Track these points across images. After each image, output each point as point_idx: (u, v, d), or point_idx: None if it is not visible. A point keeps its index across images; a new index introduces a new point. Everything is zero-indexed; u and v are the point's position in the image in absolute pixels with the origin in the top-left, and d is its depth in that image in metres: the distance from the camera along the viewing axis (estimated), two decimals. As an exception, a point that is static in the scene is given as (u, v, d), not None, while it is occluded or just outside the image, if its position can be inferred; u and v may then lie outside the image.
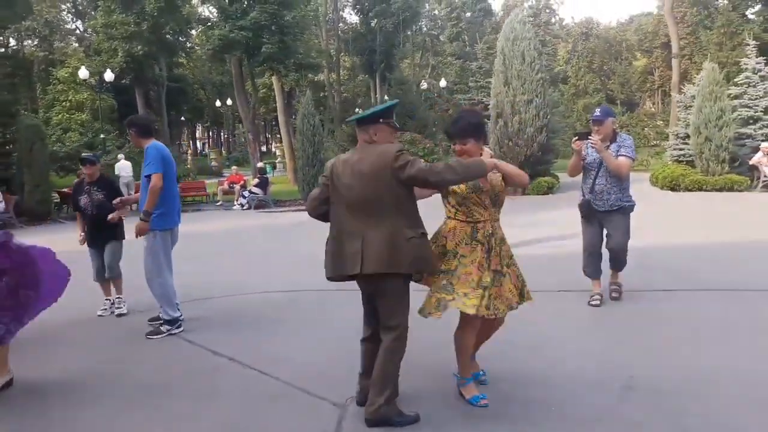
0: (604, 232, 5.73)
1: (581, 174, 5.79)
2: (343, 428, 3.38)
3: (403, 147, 3.34)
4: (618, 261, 5.81)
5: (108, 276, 6.27)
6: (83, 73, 25.88)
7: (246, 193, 18.91)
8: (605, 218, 5.64)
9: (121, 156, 20.50)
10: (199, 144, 72.42)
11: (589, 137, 5.48)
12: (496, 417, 3.44)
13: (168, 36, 35.07)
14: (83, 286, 6.08)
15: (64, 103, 35.70)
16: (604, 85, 55.30)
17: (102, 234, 6.17)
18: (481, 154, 3.51)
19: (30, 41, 45.87)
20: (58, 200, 18.58)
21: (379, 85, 39.63)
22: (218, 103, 46.69)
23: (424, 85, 35.58)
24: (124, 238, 6.29)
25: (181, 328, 5.48)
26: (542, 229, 10.64)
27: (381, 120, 3.38)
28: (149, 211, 5.24)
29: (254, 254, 10.02)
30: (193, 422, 3.61)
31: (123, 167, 19.45)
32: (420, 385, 3.88)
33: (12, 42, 44.81)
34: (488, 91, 19.15)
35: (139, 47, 33.20)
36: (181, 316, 5.55)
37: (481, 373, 3.96)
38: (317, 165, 19.69)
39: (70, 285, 4.62)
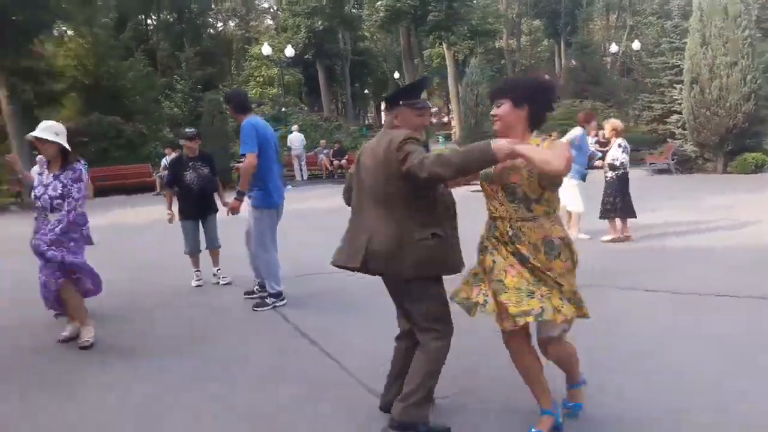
0: None
1: None
2: (373, 428, 3.04)
3: (409, 134, 2.82)
4: None
5: (210, 247, 6.42)
6: (266, 49, 27.37)
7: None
8: None
9: (294, 128, 21.24)
10: (384, 117, 74.06)
11: None
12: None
13: (353, 10, 35.99)
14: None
15: (257, 79, 38.51)
16: None
17: (204, 207, 6.29)
18: (523, 129, 2.73)
19: (231, 22, 49.92)
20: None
21: (563, 50, 36.97)
22: (396, 75, 47.13)
23: (613, 48, 32.33)
24: (218, 211, 6.39)
25: (284, 302, 5.45)
26: (738, 213, 9.03)
27: (401, 102, 2.97)
28: (242, 191, 5.25)
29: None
30: (236, 395, 3.61)
31: (295, 139, 20.17)
32: (462, 398, 3.36)
33: (219, 24, 49.43)
34: (683, 54, 16.59)
35: (320, 22, 34.46)
36: (282, 290, 5.50)
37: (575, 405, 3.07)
38: (479, 138, 18.85)
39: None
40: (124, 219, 12.45)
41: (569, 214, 8.11)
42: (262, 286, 5.64)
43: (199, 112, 21.15)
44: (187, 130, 6.64)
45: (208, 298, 5.93)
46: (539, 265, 2.66)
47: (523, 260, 2.67)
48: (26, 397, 3.69)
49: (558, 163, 2.44)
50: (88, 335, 4.52)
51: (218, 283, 6.40)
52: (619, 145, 7.89)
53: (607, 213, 7.93)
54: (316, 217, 10.89)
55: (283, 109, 27.92)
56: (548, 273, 2.66)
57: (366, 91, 55.01)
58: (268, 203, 5.32)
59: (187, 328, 4.99)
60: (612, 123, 8.09)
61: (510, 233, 2.70)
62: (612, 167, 7.90)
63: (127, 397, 3.63)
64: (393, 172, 2.78)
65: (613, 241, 7.78)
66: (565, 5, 35.76)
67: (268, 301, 5.44)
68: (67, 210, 4.36)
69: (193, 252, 6.38)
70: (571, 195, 7.97)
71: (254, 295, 5.71)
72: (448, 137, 32.37)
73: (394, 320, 3.18)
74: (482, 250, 2.84)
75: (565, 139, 8.39)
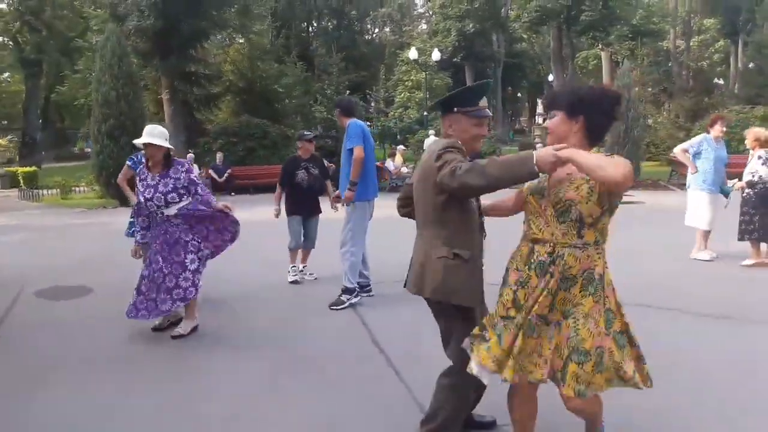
0: None
1: None
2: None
3: (451, 143, 2.59)
4: None
5: (307, 246, 6.71)
6: (413, 54, 27.62)
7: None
8: None
9: (431, 132, 21.19)
10: (540, 120, 72.03)
11: None
12: None
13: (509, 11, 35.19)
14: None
15: (406, 83, 39.07)
16: None
17: (310, 206, 6.60)
18: (579, 143, 2.35)
19: (387, 27, 51.18)
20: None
21: (741, 51, 33.18)
22: (551, 77, 45.30)
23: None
24: (321, 212, 6.72)
25: (359, 298, 5.67)
26: None
27: (456, 108, 2.69)
28: (355, 181, 5.52)
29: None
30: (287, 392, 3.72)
31: (430, 143, 20.06)
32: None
33: (375, 29, 50.99)
34: None
35: (471, 25, 34.11)
36: (359, 287, 5.71)
37: None
38: (628, 144, 17.45)
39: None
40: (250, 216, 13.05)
41: (702, 233, 7.30)
42: (362, 287, 5.85)
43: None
44: (306, 132, 6.98)
45: (301, 293, 6.22)
46: (573, 298, 2.33)
47: (543, 291, 2.33)
48: (132, 382, 3.93)
49: (613, 171, 2.07)
50: (185, 328, 4.78)
51: (304, 278, 6.68)
52: (759, 157, 6.86)
53: (743, 234, 6.97)
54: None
55: (425, 113, 27.93)
56: (574, 309, 2.31)
57: (519, 94, 53.63)
58: (364, 196, 5.61)
59: (275, 321, 5.26)
60: (754, 132, 7.06)
61: (547, 259, 2.33)
62: (750, 183, 6.89)
63: (216, 384, 3.87)
64: (432, 182, 2.58)
65: (755, 266, 6.77)
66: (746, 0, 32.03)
67: (343, 298, 5.60)
68: (200, 194, 4.67)
69: (297, 247, 6.66)
70: (696, 208, 7.20)
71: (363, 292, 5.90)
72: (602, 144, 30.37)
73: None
74: (517, 282, 2.44)
75: (682, 146, 7.51)
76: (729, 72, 34.24)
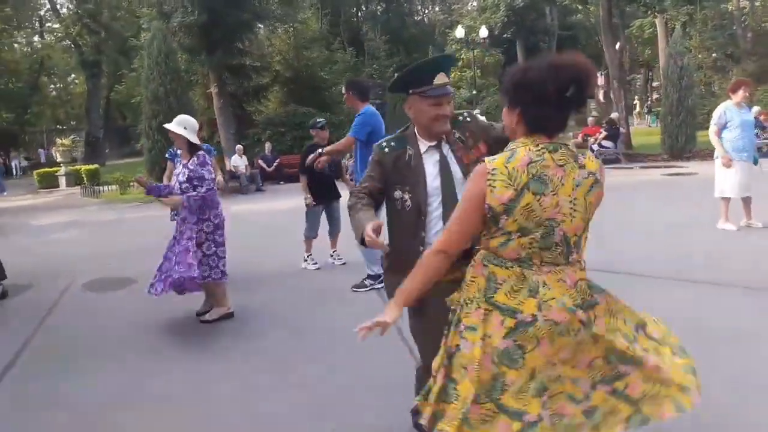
0: None
1: None
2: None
3: (388, 139, 2.59)
4: None
5: (333, 232, 6.80)
6: (459, 32, 27.25)
7: (594, 147, 17.15)
8: None
9: (476, 111, 20.87)
10: (600, 93, 69.68)
11: None
12: None
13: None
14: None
15: (457, 62, 38.55)
16: None
17: (328, 193, 6.64)
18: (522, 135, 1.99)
19: (435, 6, 50.48)
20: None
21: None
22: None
23: None
24: (340, 197, 6.69)
25: (383, 284, 5.37)
26: None
27: (410, 90, 2.48)
28: (328, 154, 5.57)
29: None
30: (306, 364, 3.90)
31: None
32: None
33: (425, 10, 50.37)
34: None
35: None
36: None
37: None
38: (683, 113, 16.71)
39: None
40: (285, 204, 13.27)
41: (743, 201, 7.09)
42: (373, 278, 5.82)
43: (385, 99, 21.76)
44: (316, 119, 6.90)
45: (322, 279, 6.32)
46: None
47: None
48: (156, 364, 4.16)
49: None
50: (214, 315, 4.99)
51: (334, 263, 6.75)
52: None
53: None
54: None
55: (474, 92, 27.51)
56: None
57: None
58: None
59: (293, 308, 5.38)
60: None
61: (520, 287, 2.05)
62: None
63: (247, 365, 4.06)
64: None
65: None
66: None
67: (366, 282, 5.67)
68: (202, 189, 4.69)
69: (310, 236, 6.68)
70: (725, 178, 7.01)
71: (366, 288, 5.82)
72: (657, 114, 29.25)
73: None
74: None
75: (712, 129, 7.20)
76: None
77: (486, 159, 1.92)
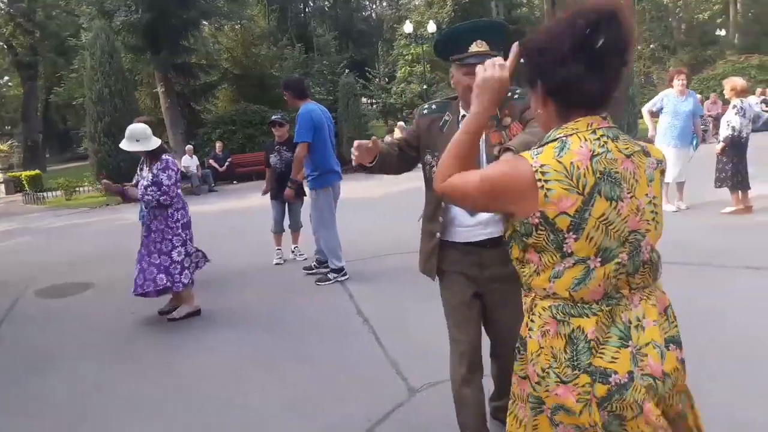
0: None
1: None
2: (391, 417, 3.09)
3: (432, 102, 2.53)
4: None
5: (294, 228, 6.78)
6: (407, 27, 27.34)
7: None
8: None
9: (425, 106, 21.07)
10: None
11: None
12: None
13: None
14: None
15: (406, 57, 38.67)
16: None
17: (293, 197, 6.43)
18: (554, 123, 1.49)
19: (382, 2, 50.56)
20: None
21: (739, 1, 32.42)
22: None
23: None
24: (305, 195, 6.55)
25: (347, 276, 5.72)
26: None
27: (450, 57, 2.33)
28: (296, 179, 5.81)
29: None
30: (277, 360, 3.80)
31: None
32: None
33: (372, 5, 50.38)
34: None
35: (467, -7, 33.63)
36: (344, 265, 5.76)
37: None
38: (623, 102, 17.24)
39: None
40: (239, 204, 13.15)
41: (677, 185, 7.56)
42: (321, 263, 6.02)
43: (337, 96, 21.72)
44: (273, 117, 6.83)
45: (285, 274, 6.29)
46: None
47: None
48: (125, 367, 4.10)
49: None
50: (182, 312, 4.93)
51: (295, 259, 6.78)
52: (734, 107, 6.96)
53: (721, 182, 7.15)
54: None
55: (424, 87, 27.71)
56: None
57: (522, 60, 53.00)
58: (323, 183, 5.62)
59: (260, 301, 5.40)
60: (731, 82, 7.15)
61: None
62: (725, 139, 7.03)
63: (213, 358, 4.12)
64: None
65: (734, 213, 6.96)
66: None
67: (330, 276, 5.72)
68: (158, 194, 4.61)
69: (278, 230, 6.72)
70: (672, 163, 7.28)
71: (312, 271, 6.08)
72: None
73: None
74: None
75: (647, 106, 7.63)
76: (728, 23, 33.55)
77: (525, 153, 1.40)
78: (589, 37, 1.34)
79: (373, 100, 31.59)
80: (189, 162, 16.33)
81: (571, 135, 1.38)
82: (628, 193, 1.37)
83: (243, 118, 19.69)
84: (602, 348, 1.37)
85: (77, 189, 17.39)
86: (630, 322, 1.39)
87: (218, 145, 18.07)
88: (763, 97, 16.95)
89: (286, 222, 6.72)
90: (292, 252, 6.86)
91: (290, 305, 5.16)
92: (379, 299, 5.07)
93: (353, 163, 2.26)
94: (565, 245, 1.36)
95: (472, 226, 2.38)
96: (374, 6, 51.24)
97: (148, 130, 4.78)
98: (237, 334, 4.55)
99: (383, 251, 6.62)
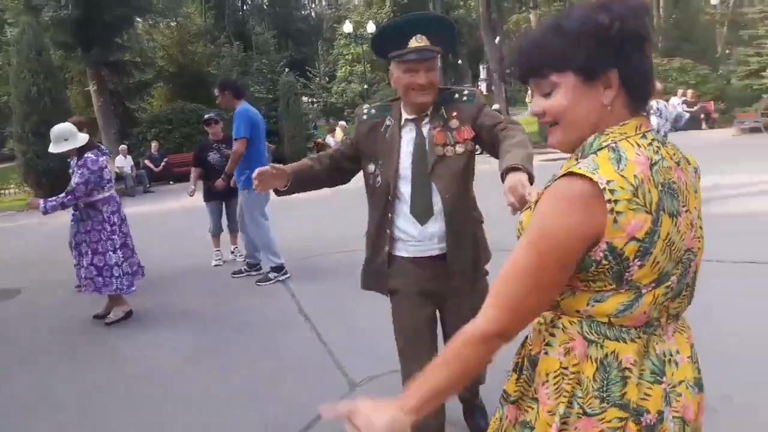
0: None
1: None
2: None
3: (372, 104, 2.40)
4: None
5: (233, 229, 6.70)
6: (347, 27, 27.45)
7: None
8: None
9: (366, 106, 21.12)
10: (483, 86, 72.28)
11: None
12: None
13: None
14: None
15: (347, 57, 38.74)
16: None
17: (226, 188, 6.28)
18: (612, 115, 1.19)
19: (322, 1, 50.47)
20: (315, 149, 20.07)
21: (662, 5, 34.04)
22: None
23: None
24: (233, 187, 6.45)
25: (288, 275, 5.71)
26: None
27: (389, 54, 2.17)
28: (230, 173, 5.77)
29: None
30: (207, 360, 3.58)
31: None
32: None
33: (311, 4, 50.22)
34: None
35: (405, -6, 33.99)
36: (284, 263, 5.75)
37: None
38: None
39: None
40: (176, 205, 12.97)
41: None
42: (250, 266, 6.06)
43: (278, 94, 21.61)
44: (207, 115, 6.79)
45: (225, 275, 6.22)
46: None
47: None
48: (61, 370, 4.02)
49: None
50: (119, 314, 4.89)
51: (234, 260, 6.73)
52: (650, 107, 7.36)
53: None
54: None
55: (365, 86, 27.88)
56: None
57: (460, 61, 53.81)
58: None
59: (200, 302, 5.37)
60: None
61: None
62: None
63: (149, 361, 4.09)
64: None
65: None
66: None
67: (270, 276, 5.70)
68: (68, 190, 4.53)
69: (216, 232, 6.67)
70: None
71: (242, 275, 6.08)
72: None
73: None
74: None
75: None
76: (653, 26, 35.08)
77: (579, 168, 1.08)
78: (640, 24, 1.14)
79: (314, 99, 31.49)
80: (123, 162, 15.94)
81: (620, 140, 1.14)
82: (683, 206, 1.15)
83: (180, 116, 19.34)
84: (637, 381, 1.15)
85: (2, 192, 16.70)
86: (664, 356, 1.19)
87: (154, 144, 17.69)
88: (684, 98, 17.86)
89: (225, 222, 6.69)
90: (232, 253, 6.84)
91: (230, 306, 5.18)
92: (321, 297, 5.13)
93: (257, 192, 2.24)
94: (627, 274, 1.11)
95: (424, 240, 2.21)
96: (313, 5, 51.13)
97: (72, 127, 4.68)
98: (176, 334, 4.55)
99: (327, 249, 6.68)
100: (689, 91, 18.20)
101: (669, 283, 1.15)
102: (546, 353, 1.21)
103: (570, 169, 1.09)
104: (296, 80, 21.96)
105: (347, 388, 3.40)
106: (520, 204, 1.64)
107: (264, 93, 21.46)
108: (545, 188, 1.15)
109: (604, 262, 1.10)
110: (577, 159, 1.17)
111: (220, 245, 6.74)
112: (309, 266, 6.13)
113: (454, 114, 2.17)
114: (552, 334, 1.21)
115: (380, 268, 2.29)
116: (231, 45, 24.78)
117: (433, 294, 2.26)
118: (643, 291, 1.13)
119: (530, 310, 1.15)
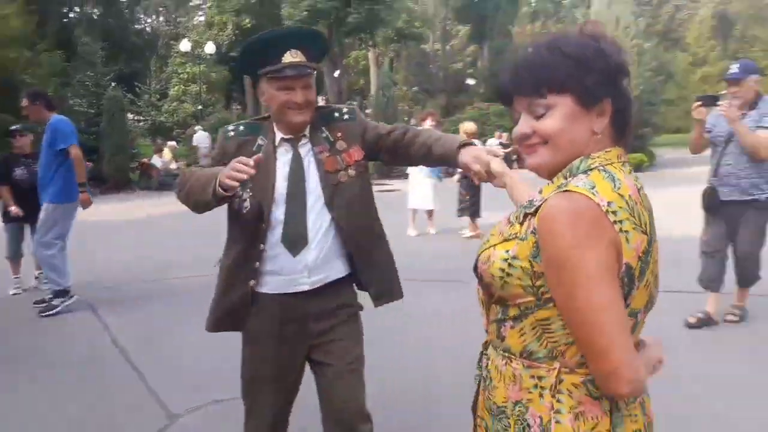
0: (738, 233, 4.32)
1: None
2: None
3: (238, 123, 2.21)
4: (745, 274, 4.41)
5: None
6: (184, 45, 26.83)
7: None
8: (733, 213, 4.25)
9: (198, 128, 20.80)
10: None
11: (718, 102, 4.16)
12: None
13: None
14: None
15: (181, 75, 37.46)
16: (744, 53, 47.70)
17: (34, 207, 5.77)
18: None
19: (161, 17, 48.58)
20: (138, 169, 19.11)
21: (486, 55, 37.55)
22: (337, 73, 46.78)
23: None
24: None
25: (73, 299, 5.42)
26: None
27: (260, 71, 2.01)
28: (82, 181, 5.43)
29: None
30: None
31: (200, 139, 19.71)
32: None
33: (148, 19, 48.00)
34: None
35: (247, 20, 33.88)
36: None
37: None
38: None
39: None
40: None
41: (427, 212, 8.87)
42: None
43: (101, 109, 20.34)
44: (11, 127, 6.37)
45: (27, 306, 5.67)
46: None
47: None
48: None
49: None
50: None
51: (38, 287, 6.12)
52: None
53: (462, 212, 8.55)
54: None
55: (200, 107, 27.26)
56: None
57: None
58: (70, 197, 5.39)
59: (7, 335, 4.96)
60: (463, 126, 8.56)
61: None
62: (462, 175, 8.43)
63: None
64: None
65: (471, 237, 8.28)
66: (490, 11, 36.37)
67: (55, 302, 5.34)
68: None
69: (15, 256, 6.09)
70: (419, 192, 8.69)
71: (45, 304, 5.47)
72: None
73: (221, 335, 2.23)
74: None
75: None
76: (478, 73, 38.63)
77: (576, 186, 1.07)
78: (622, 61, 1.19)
79: (141, 117, 30.00)
80: None
81: (606, 165, 1.14)
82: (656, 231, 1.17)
83: (-15, 126, 17.47)
84: (632, 416, 1.15)
85: None
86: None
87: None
88: (500, 140, 19.78)
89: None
90: (36, 278, 6.25)
91: (34, 342, 4.75)
92: (135, 327, 4.95)
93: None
94: (629, 298, 1.09)
95: (295, 275, 2.01)
96: (149, 20, 48.98)
97: None
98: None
99: (146, 276, 6.45)
100: (504, 134, 20.22)
101: (647, 308, 1.17)
102: (557, 421, 1.12)
103: (566, 188, 1.07)
104: (123, 95, 20.86)
105: (167, 421, 3.31)
106: (486, 173, 1.66)
107: (85, 107, 20.06)
108: (528, 214, 1.13)
109: (620, 283, 1.07)
110: (565, 178, 1.15)
111: (20, 272, 6.17)
112: (119, 297, 5.86)
113: (339, 135, 2.06)
114: (559, 400, 1.12)
115: (237, 306, 2.07)
116: (52, 53, 22.96)
117: (299, 339, 2.07)
118: (639, 318, 1.14)
119: (626, 333, 1.07)
